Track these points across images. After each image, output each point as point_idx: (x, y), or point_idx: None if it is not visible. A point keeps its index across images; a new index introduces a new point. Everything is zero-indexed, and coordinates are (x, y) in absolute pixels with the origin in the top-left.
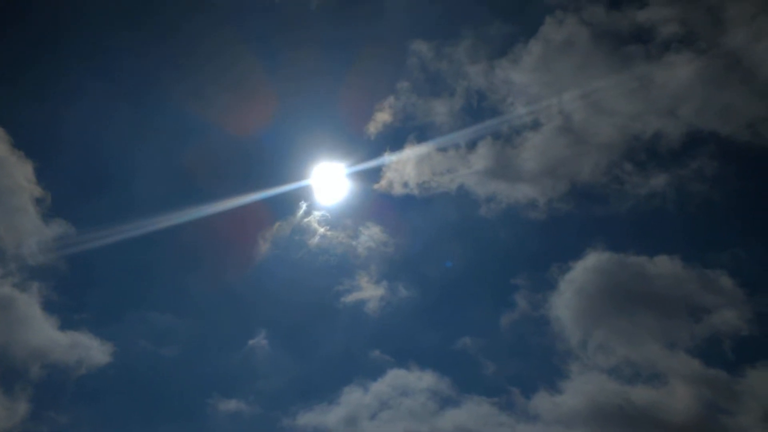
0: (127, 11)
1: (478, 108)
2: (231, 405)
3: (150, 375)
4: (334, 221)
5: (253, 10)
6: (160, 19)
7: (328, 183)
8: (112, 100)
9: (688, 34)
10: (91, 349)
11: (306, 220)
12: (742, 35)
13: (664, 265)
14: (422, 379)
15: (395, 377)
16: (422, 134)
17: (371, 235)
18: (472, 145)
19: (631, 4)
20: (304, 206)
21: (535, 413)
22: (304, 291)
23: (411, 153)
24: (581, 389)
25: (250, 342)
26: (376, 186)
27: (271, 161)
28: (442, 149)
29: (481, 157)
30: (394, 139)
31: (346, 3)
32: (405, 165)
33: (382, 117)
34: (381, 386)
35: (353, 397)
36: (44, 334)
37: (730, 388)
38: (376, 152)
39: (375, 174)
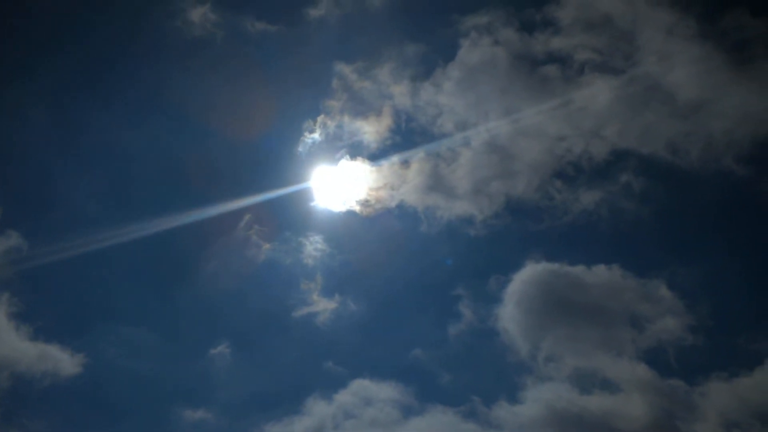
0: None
1: (407, 129)
2: (198, 415)
3: (117, 384)
4: (278, 237)
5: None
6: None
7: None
8: (66, 110)
9: (604, 59)
10: (61, 361)
11: (248, 234)
12: (655, 59)
13: (602, 275)
14: (384, 390)
15: (359, 388)
16: (354, 152)
17: (317, 250)
18: (405, 163)
19: (544, 29)
20: (247, 221)
21: (498, 423)
22: (259, 306)
23: (345, 170)
24: (538, 398)
25: (212, 351)
26: (315, 203)
27: (226, 176)
28: (377, 166)
29: (417, 175)
30: (327, 156)
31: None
32: (341, 182)
33: (313, 136)
34: (345, 397)
35: (318, 408)
36: (13, 344)
37: (682, 396)
38: (312, 170)
39: (314, 191)
